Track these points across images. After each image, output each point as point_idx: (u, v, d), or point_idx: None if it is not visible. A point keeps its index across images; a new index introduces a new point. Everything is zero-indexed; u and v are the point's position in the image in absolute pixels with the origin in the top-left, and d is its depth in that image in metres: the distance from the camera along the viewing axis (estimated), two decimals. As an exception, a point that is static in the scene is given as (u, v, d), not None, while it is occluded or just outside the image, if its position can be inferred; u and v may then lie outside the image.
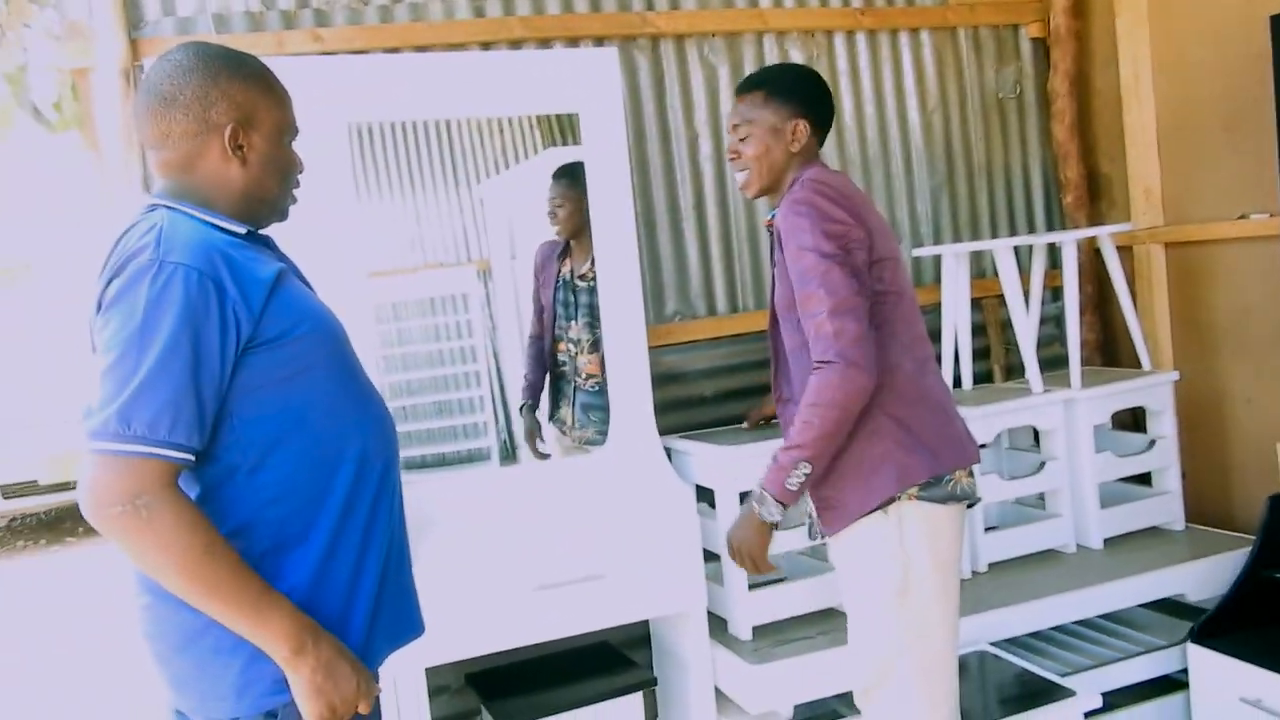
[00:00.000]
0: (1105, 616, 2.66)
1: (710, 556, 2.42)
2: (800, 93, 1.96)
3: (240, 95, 1.37)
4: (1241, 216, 2.89)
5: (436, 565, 2.06)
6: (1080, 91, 3.36)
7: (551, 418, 2.68)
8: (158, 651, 1.36)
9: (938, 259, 3.07)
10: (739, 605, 2.42)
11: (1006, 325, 3.19)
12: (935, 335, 2.89)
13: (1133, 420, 3.14)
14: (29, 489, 7.69)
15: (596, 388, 2.54)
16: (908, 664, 1.85)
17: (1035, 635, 2.61)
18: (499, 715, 2.32)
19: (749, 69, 3.01)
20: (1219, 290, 3.02)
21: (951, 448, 1.88)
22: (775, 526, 1.84)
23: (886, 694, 1.88)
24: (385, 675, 1.55)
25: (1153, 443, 2.88)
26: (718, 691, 2.41)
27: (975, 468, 1.95)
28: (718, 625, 2.47)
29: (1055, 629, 2.62)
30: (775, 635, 2.41)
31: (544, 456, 2.66)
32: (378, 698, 1.41)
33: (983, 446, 2.27)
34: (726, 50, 3.00)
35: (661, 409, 2.53)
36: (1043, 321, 3.15)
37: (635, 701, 2.40)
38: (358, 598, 1.38)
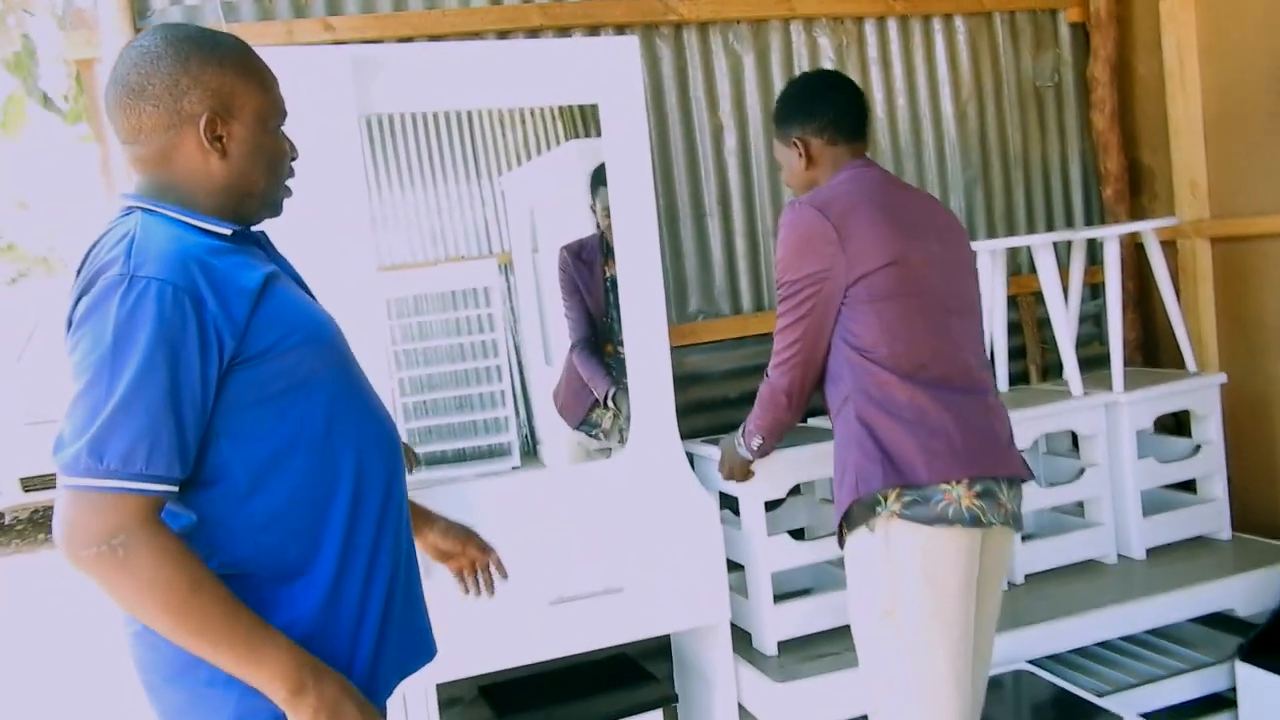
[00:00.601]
0: (1149, 631, 2.55)
1: (734, 567, 2.34)
2: (788, 111, 1.96)
3: (215, 81, 1.25)
4: (1293, 210, 2.77)
5: (449, 577, 1.97)
6: (1121, 79, 3.24)
7: (583, 422, 2.61)
8: (148, 682, 1.28)
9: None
10: (764, 618, 2.33)
11: (1043, 324, 3.11)
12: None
13: (1175, 424, 3.02)
14: (49, 482, 7.72)
15: None
16: (902, 688, 1.80)
17: (1075, 651, 2.49)
18: (513, 731, 2.25)
19: (775, 58, 2.94)
20: (1268, 287, 2.90)
21: (935, 461, 1.74)
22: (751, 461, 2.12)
23: (886, 718, 1.84)
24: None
25: (1198, 448, 2.78)
26: (741, 709, 2.32)
27: (1006, 488, 1.83)
28: (741, 639, 2.37)
29: (1096, 644, 2.51)
30: (802, 650, 2.31)
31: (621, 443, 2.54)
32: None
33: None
34: (752, 38, 2.91)
35: (683, 412, 2.46)
36: (1081, 320, 3.07)
37: (655, 719, 2.31)
38: (365, 625, 1.29)
